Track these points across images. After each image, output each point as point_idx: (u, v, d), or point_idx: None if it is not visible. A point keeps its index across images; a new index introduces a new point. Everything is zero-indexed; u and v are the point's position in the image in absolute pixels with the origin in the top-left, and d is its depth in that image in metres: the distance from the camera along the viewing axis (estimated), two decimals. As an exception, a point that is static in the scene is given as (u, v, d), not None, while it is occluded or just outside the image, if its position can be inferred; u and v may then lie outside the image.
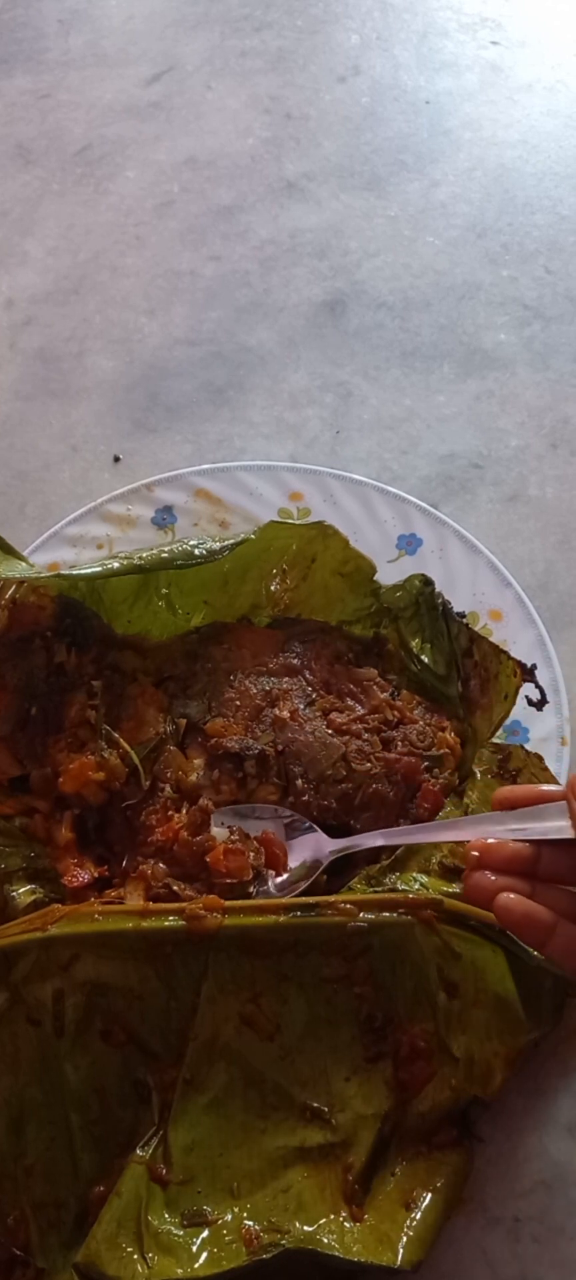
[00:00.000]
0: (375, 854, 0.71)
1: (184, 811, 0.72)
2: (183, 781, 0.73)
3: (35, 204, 1.26)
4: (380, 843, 0.70)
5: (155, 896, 0.69)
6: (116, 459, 1.02)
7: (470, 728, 0.77)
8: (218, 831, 0.71)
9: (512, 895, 0.62)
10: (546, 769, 0.73)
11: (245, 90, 1.38)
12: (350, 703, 0.76)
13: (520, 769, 0.72)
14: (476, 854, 0.64)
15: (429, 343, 1.10)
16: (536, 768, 0.72)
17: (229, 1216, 0.60)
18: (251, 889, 0.69)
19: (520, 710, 0.76)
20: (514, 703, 0.75)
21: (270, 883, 0.70)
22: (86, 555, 0.89)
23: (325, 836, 0.71)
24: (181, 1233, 0.60)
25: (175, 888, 0.69)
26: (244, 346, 1.10)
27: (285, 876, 0.70)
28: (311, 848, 0.71)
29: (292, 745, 0.74)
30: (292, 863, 0.70)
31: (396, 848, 0.70)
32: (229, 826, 0.71)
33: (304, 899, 0.66)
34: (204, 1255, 0.59)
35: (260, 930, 0.64)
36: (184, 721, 0.76)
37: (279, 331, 1.12)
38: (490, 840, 0.65)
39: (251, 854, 0.70)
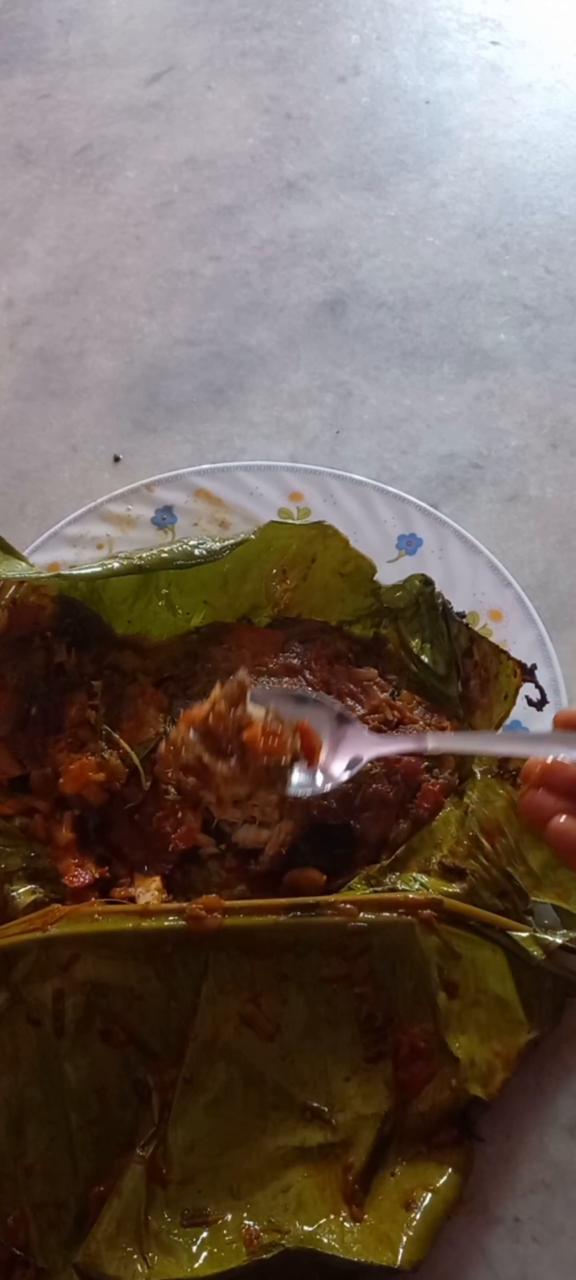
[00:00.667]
0: (375, 854, 0.71)
1: (220, 687, 0.69)
2: (183, 782, 0.73)
3: (35, 204, 1.26)
4: (430, 747, 0.68)
5: (187, 765, 0.67)
6: (116, 459, 1.02)
7: (470, 728, 0.77)
8: (254, 710, 0.67)
9: (569, 819, 0.57)
10: (546, 769, 0.73)
11: (245, 90, 1.38)
12: (350, 703, 0.76)
13: (520, 769, 0.72)
14: (534, 771, 0.59)
15: (429, 343, 1.10)
16: (536, 768, 0.72)
17: (229, 1216, 0.60)
18: (289, 776, 0.66)
19: (520, 710, 0.76)
20: (514, 703, 0.75)
21: (316, 777, 0.67)
22: (86, 555, 0.89)
23: (369, 733, 0.70)
24: (181, 1233, 0.60)
25: (206, 760, 0.66)
26: (244, 346, 1.10)
27: (323, 772, 0.67)
28: (354, 744, 0.69)
29: (292, 745, 0.74)
30: (337, 757, 0.68)
31: (396, 848, 0.70)
32: (266, 707, 0.68)
33: (303, 899, 0.66)
34: (204, 1255, 0.59)
35: (260, 930, 0.64)
36: (184, 721, 0.76)
37: (279, 331, 1.12)
38: (551, 759, 0.59)
39: (289, 739, 0.67)
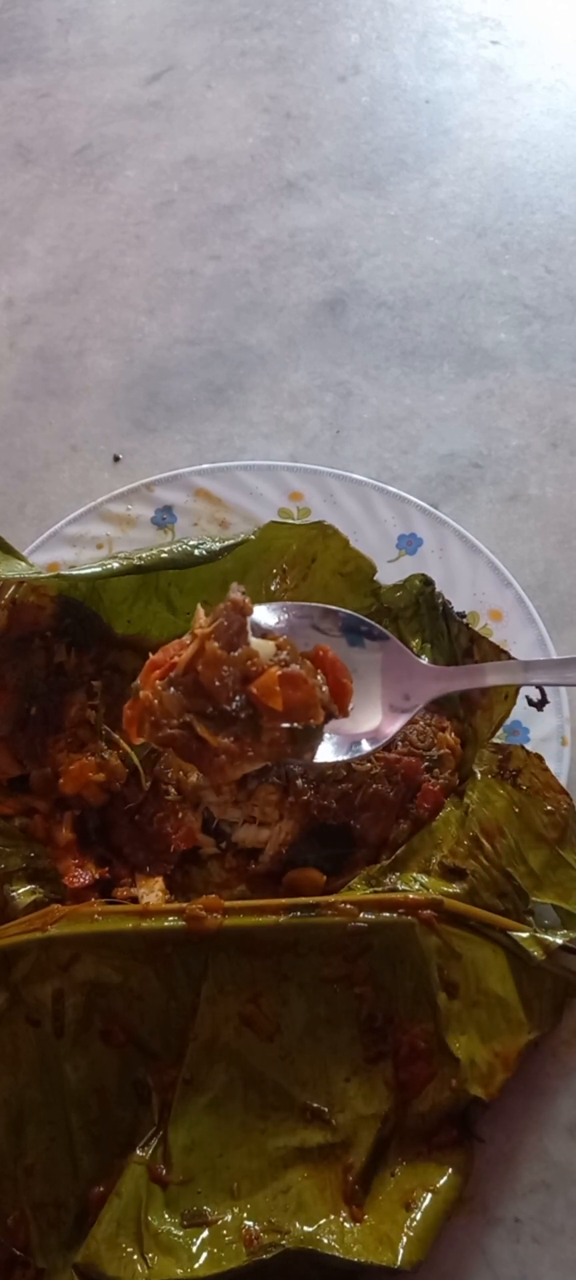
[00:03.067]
0: (375, 854, 0.71)
1: (205, 618, 0.49)
2: (182, 782, 0.73)
3: (35, 203, 1.26)
4: (489, 682, 0.54)
5: (167, 740, 0.50)
6: (116, 459, 1.02)
7: (470, 728, 0.77)
8: (259, 645, 0.49)
9: None
10: (547, 769, 0.73)
11: (245, 90, 1.37)
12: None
13: (520, 769, 0.72)
14: None
15: (429, 342, 1.10)
16: (536, 768, 0.72)
17: (229, 1217, 0.60)
18: (318, 741, 0.46)
19: (520, 710, 0.76)
20: (514, 703, 0.75)
21: (362, 742, 0.47)
22: (86, 555, 0.88)
23: (420, 661, 0.50)
24: (181, 1233, 0.60)
25: (199, 730, 0.47)
26: (244, 346, 1.10)
27: (368, 729, 0.46)
28: (402, 681, 0.50)
29: (293, 745, 0.73)
30: (384, 706, 0.49)
31: (396, 848, 0.70)
32: (273, 637, 0.49)
33: (304, 899, 0.66)
34: (204, 1255, 0.59)
35: (260, 930, 0.64)
36: (184, 721, 0.75)
37: (279, 331, 1.12)
38: None
39: (317, 688, 0.46)
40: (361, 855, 0.71)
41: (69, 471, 1.01)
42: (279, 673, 0.47)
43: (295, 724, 0.46)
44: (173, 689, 0.47)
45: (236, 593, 0.50)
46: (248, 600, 0.48)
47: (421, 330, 1.11)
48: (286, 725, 0.46)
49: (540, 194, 1.23)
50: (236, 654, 0.47)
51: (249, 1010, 0.64)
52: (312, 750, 0.48)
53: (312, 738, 0.48)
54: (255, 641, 0.48)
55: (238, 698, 0.47)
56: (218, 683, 0.47)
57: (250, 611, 0.48)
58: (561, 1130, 0.67)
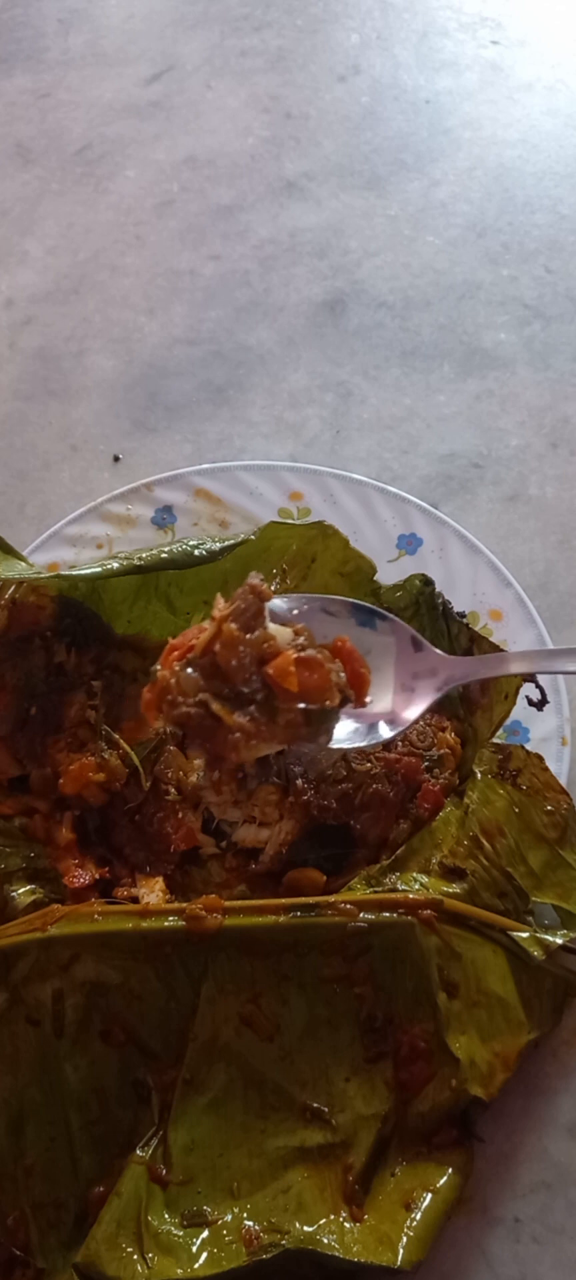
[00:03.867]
0: (375, 854, 0.71)
1: (223, 604, 0.51)
2: (183, 782, 0.73)
3: (35, 203, 1.26)
4: (512, 670, 0.56)
5: (183, 718, 0.49)
6: (116, 459, 1.02)
7: (470, 728, 0.77)
8: (277, 630, 0.50)
9: None
10: (547, 769, 0.73)
11: (245, 90, 1.37)
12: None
13: (520, 769, 0.72)
14: None
15: (429, 342, 1.10)
16: (536, 768, 0.72)
17: (229, 1217, 0.60)
18: (333, 723, 0.48)
19: (520, 710, 0.76)
20: (514, 703, 0.75)
21: (380, 726, 0.49)
22: (86, 555, 0.88)
23: (441, 655, 0.50)
24: (181, 1233, 0.60)
25: (214, 707, 0.48)
26: (244, 346, 1.10)
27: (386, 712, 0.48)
28: (420, 666, 0.51)
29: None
30: (406, 692, 0.50)
31: (396, 848, 0.70)
32: (291, 624, 0.50)
33: (304, 899, 0.66)
34: (204, 1255, 0.59)
35: (260, 930, 0.64)
36: (184, 721, 0.75)
37: (279, 331, 1.12)
38: None
39: (333, 671, 0.48)
40: (361, 855, 0.71)
41: (69, 471, 1.01)
42: (295, 655, 0.48)
43: (310, 705, 0.46)
44: (190, 669, 0.48)
45: (255, 578, 0.50)
46: (266, 586, 0.49)
47: (421, 330, 1.11)
48: (301, 707, 0.47)
49: (540, 194, 1.23)
50: (253, 636, 0.48)
51: (249, 1010, 0.64)
52: (328, 733, 0.49)
53: (328, 720, 0.48)
54: (272, 627, 0.48)
55: (254, 679, 0.48)
56: (234, 663, 0.47)
57: (268, 597, 0.49)
58: (561, 1130, 0.67)
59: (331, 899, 0.65)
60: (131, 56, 1.43)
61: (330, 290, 1.15)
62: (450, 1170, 0.63)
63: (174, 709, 0.48)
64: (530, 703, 0.77)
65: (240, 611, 0.48)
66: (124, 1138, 0.63)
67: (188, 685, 0.48)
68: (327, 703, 0.48)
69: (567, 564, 0.92)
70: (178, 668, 0.48)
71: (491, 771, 0.72)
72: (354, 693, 0.49)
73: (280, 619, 0.49)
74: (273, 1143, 0.62)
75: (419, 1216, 0.61)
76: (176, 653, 0.48)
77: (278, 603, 0.49)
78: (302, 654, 0.48)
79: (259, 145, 1.31)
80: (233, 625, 0.48)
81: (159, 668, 0.50)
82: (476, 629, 0.81)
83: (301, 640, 0.49)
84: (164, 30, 1.47)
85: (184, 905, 0.65)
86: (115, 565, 0.77)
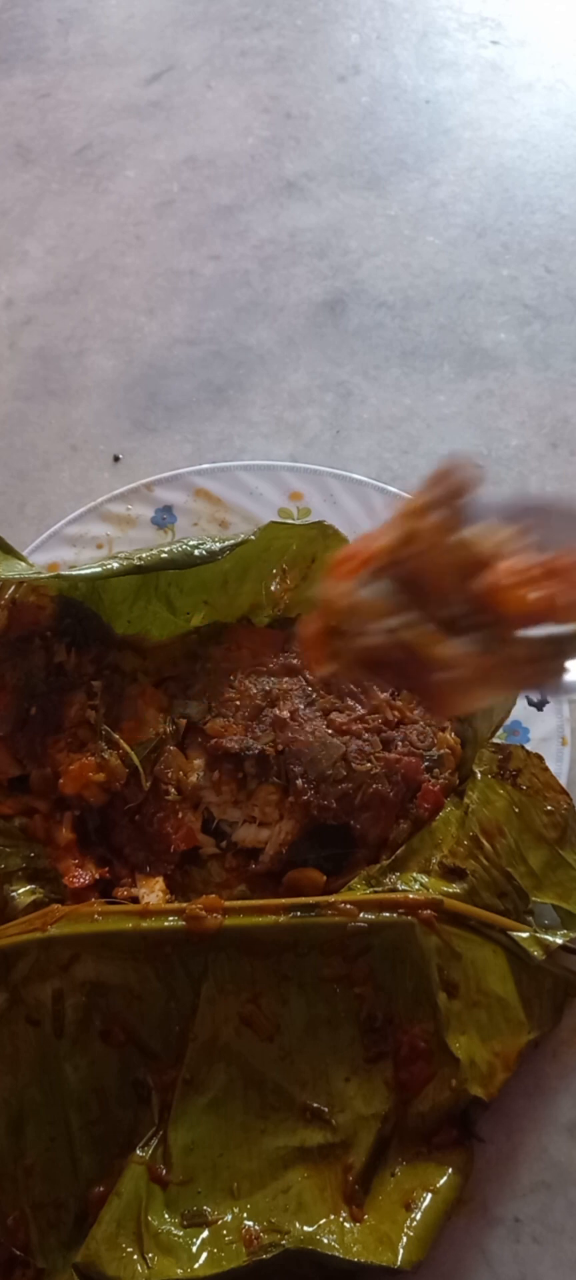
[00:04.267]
0: (375, 854, 0.71)
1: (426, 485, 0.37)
2: (183, 782, 0.73)
3: (35, 203, 1.25)
4: None
5: (370, 656, 0.38)
6: (116, 459, 1.02)
7: (470, 728, 0.77)
8: (488, 531, 0.36)
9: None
10: (547, 769, 0.73)
11: (245, 89, 1.37)
12: (350, 702, 0.76)
13: (520, 769, 0.72)
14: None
15: (429, 342, 1.10)
16: (536, 768, 0.72)
17: (229, 1217, 0.60)
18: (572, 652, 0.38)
19: (520, 710, 0.76)
20: (514, 703, 0.75)
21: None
22: (86, 555, 0.88)
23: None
24: (181, 1233, 0.60)
25: (412, 636, 0.36)
26: (244, 346, 1.10)
27: None
28: None
29: (293, 745, 0.74)
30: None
31: (396, 848, 0.70)
32: (503, 527, 0.37)
33: (304, 899, 0.66)
34: (204, 1255, 0.59)
35: (260, 930, 0.64)
36: (184, 721, 0.76)
37: (278, 331, 1.11)
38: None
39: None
40: (361, 855, 0.71)
41: (69, 471, 1.01)
42: (522, 564, 0.35)
43: (548, 630, 0.34)
44: (375, 584, 0.34)
45: (459, 458, 0.38)
46: (472, 474, 0.36)
47: (421, 330, 1.11)
48: (529, 634, 0.34)
49: (540, 194, 1.23)
50: (459, 538, 0.35)
51: (249, 1010, 0.64)
52: (559, 671, 0.36)
53: (566, 650, 0.36)
54: (480, 528, 0.36)
55: (460, 597, 0.35)
56: (434, 570, 0.35)
57: (475, 487, 0.37)
58: (561, 1130, 0.67)
59: (331, 899, 0.65)
60: (131, 56, 1.43)
61: (330, 290, 1.15)
62: (450, 1170, 0.63)
63: (352, 644, 0.35)
64: (530, 703, 0.77)
65: (439, 502, 0.36)
66: (124, 1138, 0.63)
67: (373, 608, 0.35)
68: (567, 628, 0.35)
69: (567, 564, 0.92)
70: (354, 585, 0.35)
71: (491, 771, 0.72)
72: None
73: (491, 519, 0.37)
74: (273, 1143, 0.62)
75: (419, 1216, 0.61)
76: (351, 563, 0.35)
77: (485, 500, 0.37)
78: (519, 564, 0.35)
79: (259, 145, 1.31)
80: (434, 515, 0.35)
81: (322, 591, 0.36)
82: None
83: (519, 545, 0.36)
84: (164, 30, 1.47)
85: (184, 905, 0.65)
86: (115, 565, 0.77)
